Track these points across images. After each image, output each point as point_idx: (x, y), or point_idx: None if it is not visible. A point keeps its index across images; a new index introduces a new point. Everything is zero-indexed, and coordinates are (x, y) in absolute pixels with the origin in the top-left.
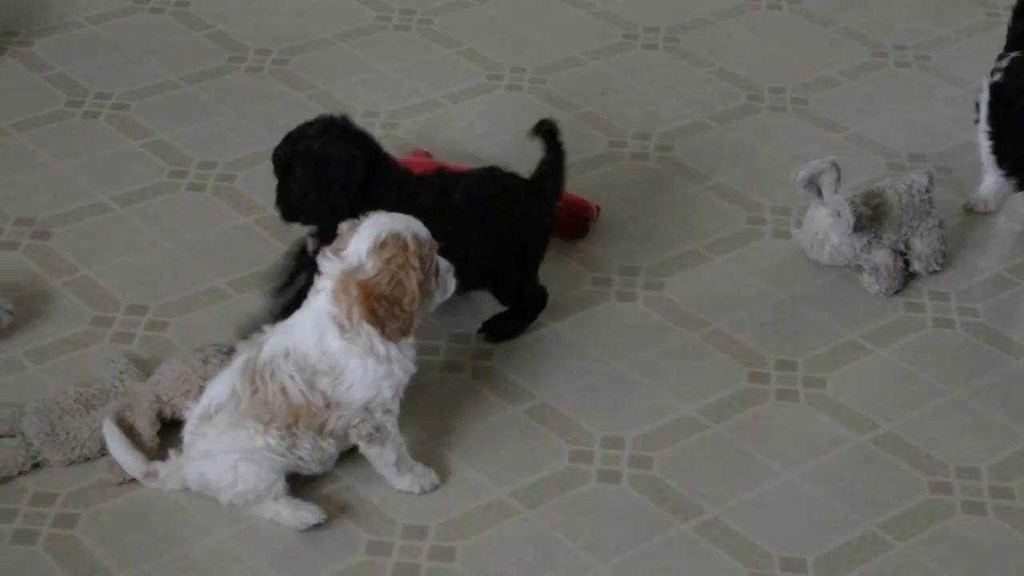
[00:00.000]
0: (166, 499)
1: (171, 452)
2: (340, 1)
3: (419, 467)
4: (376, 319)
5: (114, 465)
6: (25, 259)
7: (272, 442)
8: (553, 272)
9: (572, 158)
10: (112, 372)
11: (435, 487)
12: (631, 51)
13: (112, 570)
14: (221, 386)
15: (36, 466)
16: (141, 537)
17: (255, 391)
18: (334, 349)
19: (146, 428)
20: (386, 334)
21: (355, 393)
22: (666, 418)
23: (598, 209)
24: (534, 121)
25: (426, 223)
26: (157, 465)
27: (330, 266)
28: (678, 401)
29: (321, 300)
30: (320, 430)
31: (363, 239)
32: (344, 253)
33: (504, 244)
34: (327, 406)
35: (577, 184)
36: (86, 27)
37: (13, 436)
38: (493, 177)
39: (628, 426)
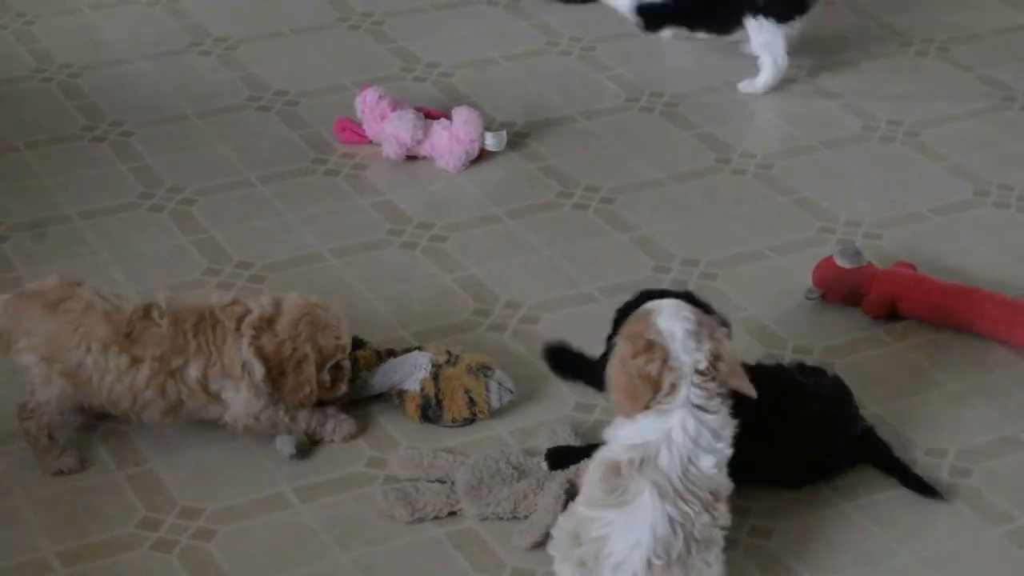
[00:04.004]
0: None
1: None
2: (825, 110)
3: None
4: None
5: (524, 532)
6: (513, 342)
7: None
8: None
9: None
10: (551, 442)
11: None
12: None
13: None
14: None
15: (452, 514)
16: None
17: None
18: None
19: (551, 506)
20: None
21: None
22: None
23: None
24: (1023, 241)
25: None
26: None
27: None
28: None
29: None
30: None
31: None
32: None
33: None
34: None
35: None
36: (580, 122)
37: (444, 482)
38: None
39: None
